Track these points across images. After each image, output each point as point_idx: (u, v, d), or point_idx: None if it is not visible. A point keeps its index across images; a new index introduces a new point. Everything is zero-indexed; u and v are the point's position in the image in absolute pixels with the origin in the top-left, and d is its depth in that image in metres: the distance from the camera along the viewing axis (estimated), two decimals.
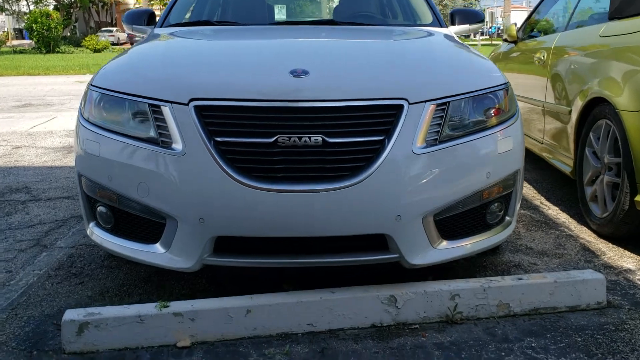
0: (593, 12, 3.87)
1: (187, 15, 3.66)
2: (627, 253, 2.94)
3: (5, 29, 48.52)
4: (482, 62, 2.59)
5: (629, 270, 2.73)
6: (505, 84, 2.41)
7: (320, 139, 2.03)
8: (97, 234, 2.36)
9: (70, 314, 2.09)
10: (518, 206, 2.49)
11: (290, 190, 2.02)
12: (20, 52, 30.92)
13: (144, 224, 2.23)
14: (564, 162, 3.66)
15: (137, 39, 3.54)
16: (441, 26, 3.35)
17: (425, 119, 2.13)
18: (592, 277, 2.37)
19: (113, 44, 38.13)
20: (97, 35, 37.17)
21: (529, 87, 4.32)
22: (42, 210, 3.73)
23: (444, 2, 45.16)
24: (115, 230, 2.32)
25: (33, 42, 31.99)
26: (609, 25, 3.26)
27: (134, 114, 2.20)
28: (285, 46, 2.76)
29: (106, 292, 2.53)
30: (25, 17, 35.23)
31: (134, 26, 3.48)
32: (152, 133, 2.14)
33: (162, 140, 2.12)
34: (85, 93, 2.42)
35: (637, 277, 2.65)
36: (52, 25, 30.05)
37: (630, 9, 3.06)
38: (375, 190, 2.05)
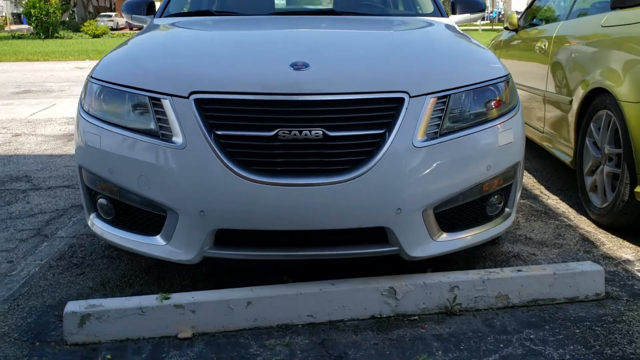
0: (595, 0, 3.84)
1: (187, 4, 3.63)
2: (626, 244, 2.95)
3: (4, 14, 48.18)
4: (482, 54, 2.58)
5: (627, 261, 2.74)
6: (506, 75, 2.40)
7: (320, 132, 2.03)
8: (98, 226, 2.37)
9: (72, 306, 2.11)
10: (518, 198, 2.50)
11: (291, 183, 2.03)
12: (19, 37, 30.79)
13: (144, 216, 2.24)
14: (564, 152, 3.66)
15: (136, 23, 3.53)
16: (442, 16, 3.33)
17: (426, 112, 2.13)
18: (591, 269, 2.38)
19: (112, 29, 37.89)
20: (96, 21, 37.01)
21: (530, 76, 4.30)
22: (42, 200, 3.74)
23: None
24: (116, 222, 2.33)
25: (31, 27, 31.84)
26: (610, 15, 3.24)
27: (134, 107, 2.20)
28: (285, 38, 2.75)
29: (107, 282, 2.55)
30: (24, 2, 35.00)
31: (133, 15, 3.46)
32: (152, 126, 2.14)
33: (162, 134, 2.12)
34: (85, 85, 2.41)
35: (636, 268, 2.66)
36: (51, 10, 29.89)
37: None
38: (376, 184, 2.06)
